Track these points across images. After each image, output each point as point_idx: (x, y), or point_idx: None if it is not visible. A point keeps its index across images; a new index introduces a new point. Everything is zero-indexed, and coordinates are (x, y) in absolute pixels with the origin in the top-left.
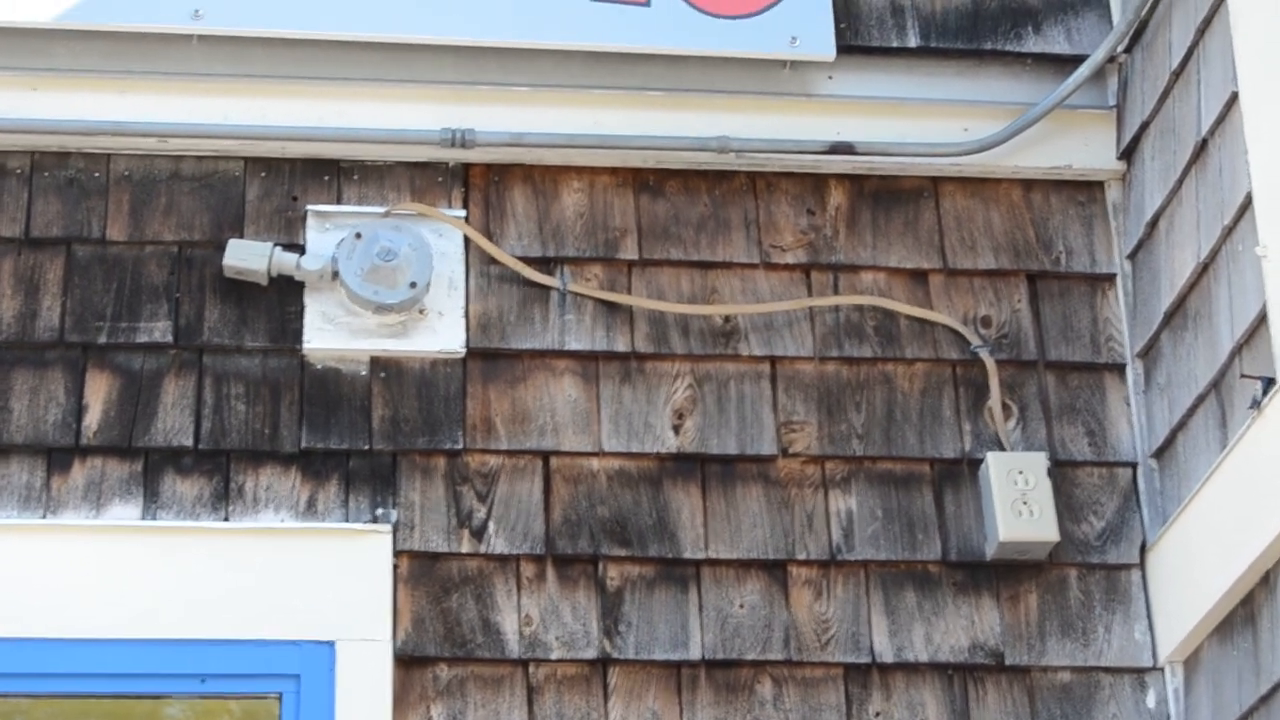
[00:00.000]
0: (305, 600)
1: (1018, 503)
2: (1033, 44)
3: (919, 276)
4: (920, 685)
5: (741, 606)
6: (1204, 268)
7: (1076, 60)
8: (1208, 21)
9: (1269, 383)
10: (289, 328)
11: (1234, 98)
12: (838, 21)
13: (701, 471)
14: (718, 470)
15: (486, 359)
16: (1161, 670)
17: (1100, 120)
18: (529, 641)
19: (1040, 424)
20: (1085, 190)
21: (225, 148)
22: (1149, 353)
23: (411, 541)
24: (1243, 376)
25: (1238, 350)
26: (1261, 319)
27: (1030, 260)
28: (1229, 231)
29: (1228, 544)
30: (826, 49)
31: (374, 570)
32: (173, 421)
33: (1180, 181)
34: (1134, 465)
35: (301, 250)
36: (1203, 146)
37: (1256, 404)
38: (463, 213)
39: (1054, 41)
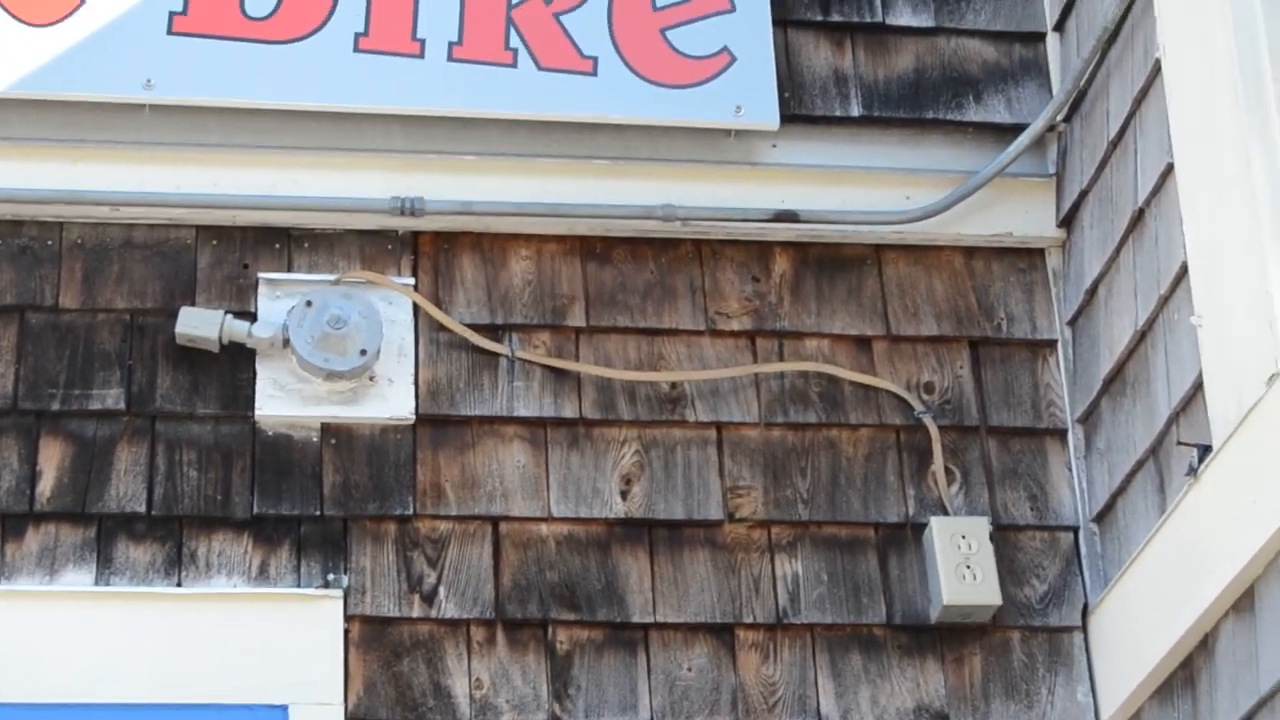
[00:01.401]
0: (258, 665)
1: (961, 566)
2: (974, 113)
3: (863, 343)
4: None
5: (689, 669)
6: (1142, 335)
7: (1017, 129)
8: (1144, 92)
9: (1205, 450)
10: (240, 395)
11: (1169, 168)
12: (782, 91)
13: (649, 536)
14: (665, 535)
15: (436, 425)
16: None
17: (1040, 188)
18: (480, 705)
19: (983, 488)
20: (1026, 257)
21: (177, 216)
22: (1089, 418)
23: (363, 606)
24: (1179, 444)
25: (1175, 417)
26: (1198, 387)
27: (972, 327)
28: (1165, 300)
29: (1167, 607)
30: (770, 118)
31: (326, 635)
32: (125, 488)
33: (1118, 250)
34: (1075, 529)
35: (253, 318)
36: (1140, 216)
37: (1193, 471)
38: (412, 280)
39: (995, 111)
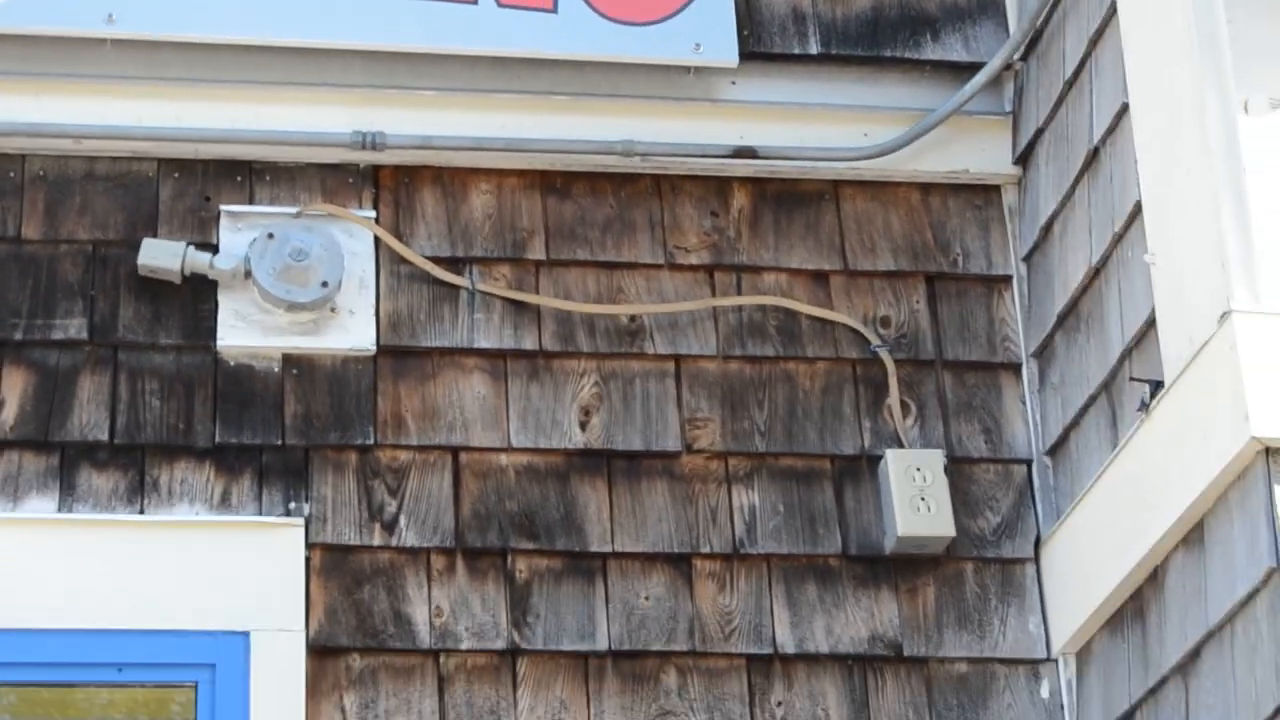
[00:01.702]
0: (220, 592)
1: (915, 499)
2: (931, 51)
3: (820, 278)
4: (821, 675)
5: (647, 599)
6: (1095, 272)
7: (974, 67)
8: (1099, 33)
9: (1156, 386)
10: (203, 325)
11: (1124, 108)
12: (741, 28)
13: (608, 467)
14: (624, 466)
15: (397, 356)
16: (1055, 662)
17: (997, 126)
18: (440, 632)
19: (938, 422)
20: (982, 194)
21: (139, 149)
22: (1043, 353)
23: (324, 535)
24: (1132, 379)
25: (1127, 353)
26: (1150, 324)
27: (928, 262)
28: (1119, 238)
29: (1118, 541)
30: (729, 55)
31: (287, 562)
32: (88, 416)
33: (1073, 188)
34: (1029, 462)
35: (215, 250)
36: (1094, 155)
37: (1145, 406)
38: (373, 213)
39: (952, 49)
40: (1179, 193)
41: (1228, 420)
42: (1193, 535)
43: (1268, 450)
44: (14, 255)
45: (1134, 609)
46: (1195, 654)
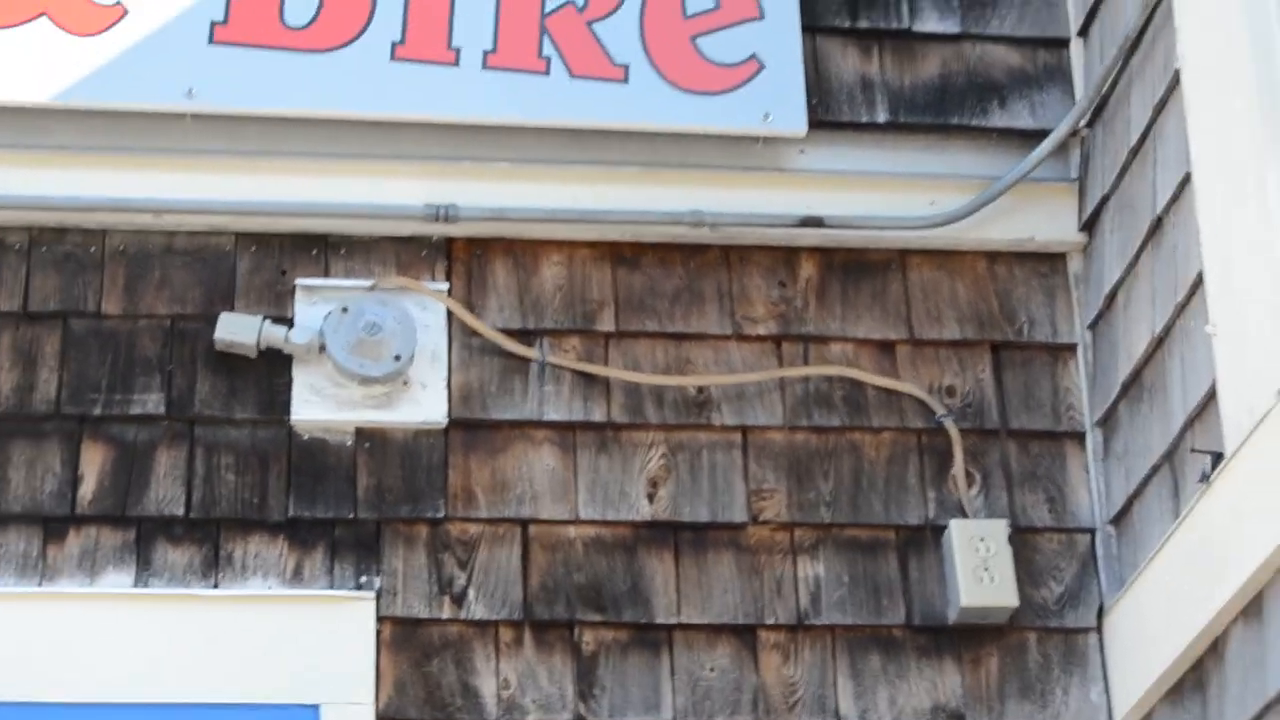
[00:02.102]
0: (292, 665)
1: (979, 569)
2: (998, 119)
3: (886, 347)
4: None
5: (712, 670)
6: (1159, 342)
7: (1040, 135)
8: (1164, 102)
9: (1217, 457)
10: (277, 399)
11: (1187, 178)
12: (809, 97)
13: (674, 539)
14: (690, 537)
15: (468, 429)
16: None
17: (1063, 193)
18: (507, 704)
19: (1002, 491)
20: (1048, 262)
21: (217, 223)
22: (1108, 422)
23: (394, 607)
24: (1193, 450)
25: (1189, 424)
26: (1211, 395)
27: (994, 330)
28: (1182, 308)
29: (1179, 611)
30: (798, 124)
31: (358, 635)
32: (165, 491)
33: (1137, 256)
34: (1092, 532)
35: (290, 323)
36: (1158, 224)
37: (1205, 478)
38: (445, 286)
39: (1019, 116)
40: (1240, 264)
41: None
42: (1253, 606)
43: None
44: (94, 330)
45: (1194, 680)
46: None
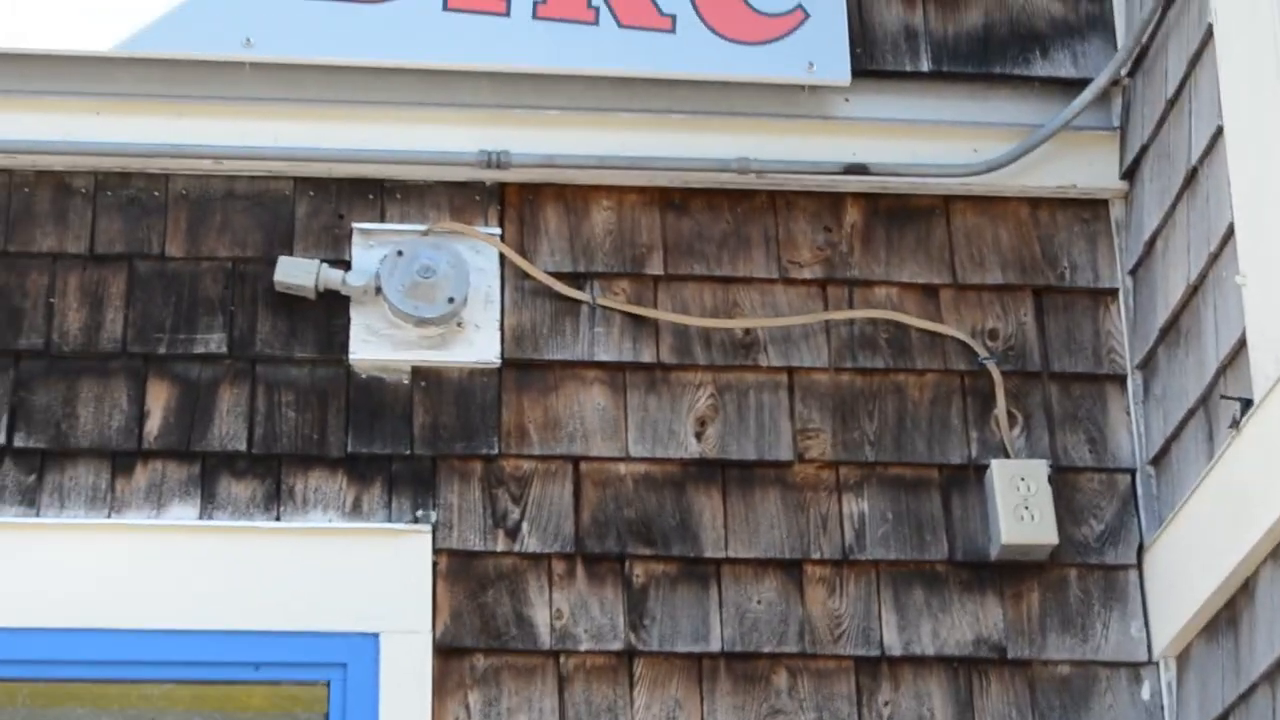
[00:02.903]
0: (351, 595)
1: (1019, 507)
2: (1040, 68)
3: (930, 291)
4: (927, 677)
5: (759, 602)
6: (1194, 289)
7: (1082, 83)
8: (1198, 55)
9: (1246, 404)
10: (335, 339)
11: (1219, 131)
12: (853, 46)
13: (722, 476)
14: (737, 475)
15: (520, 369)
16: (1156, 665)
17: (1104, 141)
18: (560, 634)
19: (1044, 431)
20: (1090, 208)
21: (276, 168)
22: (1147, 365)
23: (450, 540)
24: (1223, 397)
25: (1222, 370)
26: (1243, 343)
27: (1036, 275)
28: (1215, 257)
29: (1213, 551)
30: (843, 73)
31: (415, 567)
32: (228, 427)
33: (1174, 205)
34: (1132, 472)
35: (347, 266)
36: (1193, 174)
37: (1235, 424)
38: (498, 230)
39: (1061, 65)
40: (1269, 217)
41: None
42: None
43: None
44: (159, 272)
45: (1228, 617)
46: None
